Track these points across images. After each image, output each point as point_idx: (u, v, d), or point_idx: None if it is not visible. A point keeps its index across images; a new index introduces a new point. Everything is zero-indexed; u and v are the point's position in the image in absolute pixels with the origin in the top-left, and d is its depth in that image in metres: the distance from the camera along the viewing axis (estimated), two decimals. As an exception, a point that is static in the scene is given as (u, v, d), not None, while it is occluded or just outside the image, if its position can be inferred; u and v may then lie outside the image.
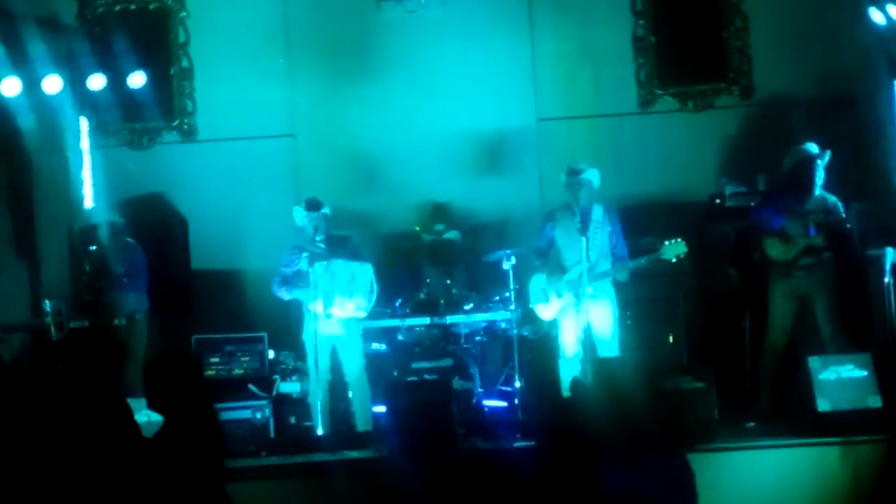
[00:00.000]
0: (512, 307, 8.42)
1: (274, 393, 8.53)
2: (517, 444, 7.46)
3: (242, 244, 9.64)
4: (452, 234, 9.26)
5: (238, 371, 8.71)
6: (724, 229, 9.03)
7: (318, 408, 8.02)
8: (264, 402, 8.29)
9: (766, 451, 7.04)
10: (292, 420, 8.49)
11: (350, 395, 8.25)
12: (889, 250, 7.60)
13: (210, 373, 8.59)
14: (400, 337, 8.76)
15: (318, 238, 8.17)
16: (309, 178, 9.73)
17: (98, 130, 9.60)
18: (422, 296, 8.79)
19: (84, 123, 9.30)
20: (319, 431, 8.00)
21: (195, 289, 9.41)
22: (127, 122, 9.84)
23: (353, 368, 8.19)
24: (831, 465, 6.93)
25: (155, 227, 9.34)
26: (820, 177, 7.92)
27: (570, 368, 7.83)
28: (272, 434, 8.23)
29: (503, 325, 8.68)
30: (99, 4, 9.93)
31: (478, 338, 8.85)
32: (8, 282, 8.56)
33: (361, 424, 8.11)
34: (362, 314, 8.13)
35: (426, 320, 8.63)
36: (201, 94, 10.02)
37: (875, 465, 6.88)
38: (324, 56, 9.93)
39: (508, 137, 9.86)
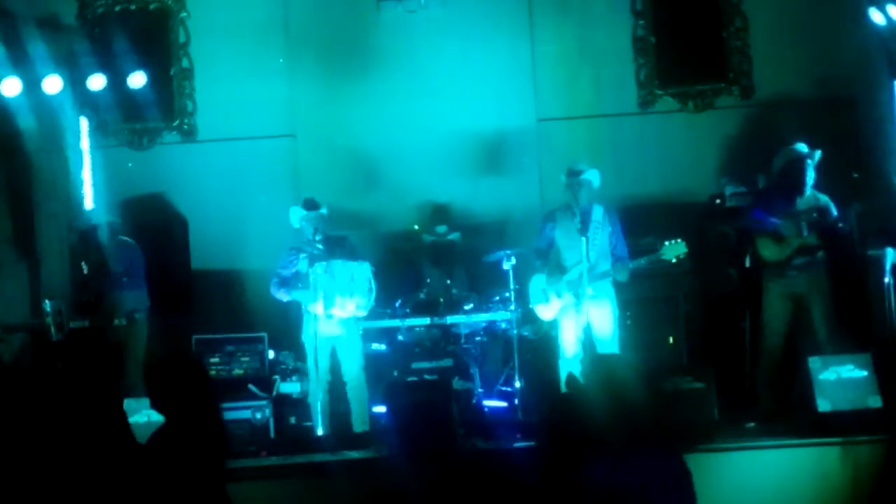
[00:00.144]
0: (512, 307, 8.43)
1: (274, 393, 8.53)
2: (517, 445, 7.45)
3: (242, 244, 9.63)
4: (454, 237, 9.26)
5: (238, 371, 8.72)
6: (724, 229, 9.02)
7: (318, 408, 8.02)
8: (264, 403, 8.29)
9: (766, 452, 7.04)
10: (292, 420, 8.50)
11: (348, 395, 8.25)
12: (889, 250, 7.60)
13: (210, 373, 8.57)
14: (400, 337, 8.76)
15: (317, 238, 8.17)
16: (309, 178, 9.73)
17: (98, 130, 9.59)
18: (422, 296, 8.80)
19: (84, 123, 9.29)
20: (319, 432, 8.00)
21: (195, 289, 9.42)
22: (127, 122, 9.84)
23: (352, 368, 8.18)
24: (831, 466, 6.92)
25: (155, 227, 9.35)
26: (811, 176, 7.91)
27: (570, 369, 7.82)
28: (272, 434, 8.22)
29: (503, 326, 8.68)
30: (99, 4, 9.93)
31: (478, 338, 8.85)
32: (8, 282, 8.55)
33: (359, 425, 8.11)
34: (362, 313, 8.13)
35: (426, 320, 8.63)
36: (201, 94, 10.03)
37: (875, 465, 6.88)
38: (324, 56, 9.93)
39: (508, 137, 9.86)
